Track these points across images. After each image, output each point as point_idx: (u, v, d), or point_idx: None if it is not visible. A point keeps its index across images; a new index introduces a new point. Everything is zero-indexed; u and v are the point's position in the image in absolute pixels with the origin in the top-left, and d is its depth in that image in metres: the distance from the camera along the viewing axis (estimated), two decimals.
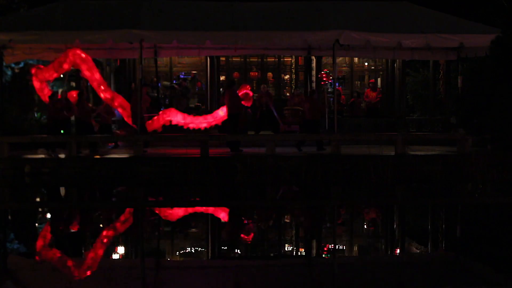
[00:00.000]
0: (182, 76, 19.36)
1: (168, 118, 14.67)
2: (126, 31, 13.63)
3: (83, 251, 6.79)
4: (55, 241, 7.26)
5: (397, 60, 18.26)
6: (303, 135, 15.15)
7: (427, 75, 20.32)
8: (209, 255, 6.64)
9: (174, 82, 18.96)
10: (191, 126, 14.82)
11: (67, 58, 14.51)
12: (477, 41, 14.27)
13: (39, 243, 7.11)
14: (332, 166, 13.09)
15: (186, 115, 14.91)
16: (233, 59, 19.09)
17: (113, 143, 16.06)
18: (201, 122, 14.92)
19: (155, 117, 14.71)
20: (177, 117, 14.74)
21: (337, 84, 14.77)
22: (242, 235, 7.62)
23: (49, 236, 7.58)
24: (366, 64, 19.89)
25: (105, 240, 7.21)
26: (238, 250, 6.76)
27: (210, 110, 17.60)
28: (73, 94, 15.51)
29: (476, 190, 11.95)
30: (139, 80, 14.54)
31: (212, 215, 9.18)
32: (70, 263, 6.19)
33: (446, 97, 18.46)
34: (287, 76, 19.78)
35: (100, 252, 6.64)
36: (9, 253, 6.54)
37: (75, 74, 18.42)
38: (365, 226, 8.41)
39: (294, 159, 13.27)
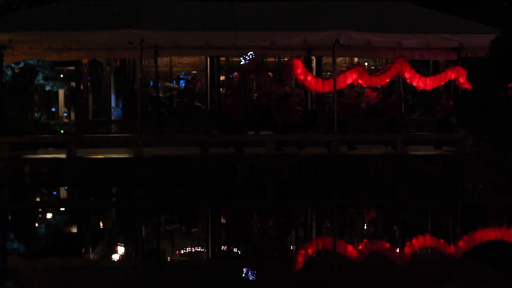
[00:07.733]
0: (182, 76, 19.35)
1: None
2: (126, 31, 13.63)
3: (82, 251, 6.80)
4: (54, 241, 7.26)
5: None
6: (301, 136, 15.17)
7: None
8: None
9: (174, 82, 18.96)
10: None
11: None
12: (477, 41, 14.28)
13: (39, 243, 7.11)
14: (332, 166, 13.09)
15: None
16: (233, 59, 19.07)
17: None
18: None
19: None
20: None
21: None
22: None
23: (48, 236, 7.58)
24: (366, 64, 19.86)
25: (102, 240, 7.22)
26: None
27: (210, 110, 17.64)
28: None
29: (476, 190, 11.94)
30: (139, 80, 14.55)
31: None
32: (69, 263, 6.19)
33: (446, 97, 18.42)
34: None
35: (100, 252, 6.64)
36: (9, 253, 6.53)
37: (74, 74, 18.45)
38: (365, 226, 8.40)
39: (294, 159, 13.26)
